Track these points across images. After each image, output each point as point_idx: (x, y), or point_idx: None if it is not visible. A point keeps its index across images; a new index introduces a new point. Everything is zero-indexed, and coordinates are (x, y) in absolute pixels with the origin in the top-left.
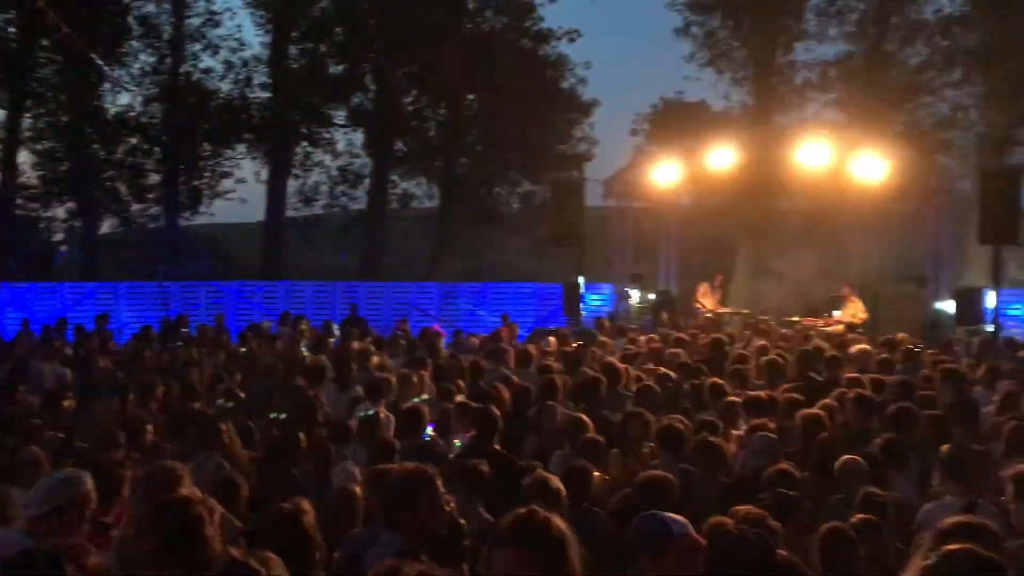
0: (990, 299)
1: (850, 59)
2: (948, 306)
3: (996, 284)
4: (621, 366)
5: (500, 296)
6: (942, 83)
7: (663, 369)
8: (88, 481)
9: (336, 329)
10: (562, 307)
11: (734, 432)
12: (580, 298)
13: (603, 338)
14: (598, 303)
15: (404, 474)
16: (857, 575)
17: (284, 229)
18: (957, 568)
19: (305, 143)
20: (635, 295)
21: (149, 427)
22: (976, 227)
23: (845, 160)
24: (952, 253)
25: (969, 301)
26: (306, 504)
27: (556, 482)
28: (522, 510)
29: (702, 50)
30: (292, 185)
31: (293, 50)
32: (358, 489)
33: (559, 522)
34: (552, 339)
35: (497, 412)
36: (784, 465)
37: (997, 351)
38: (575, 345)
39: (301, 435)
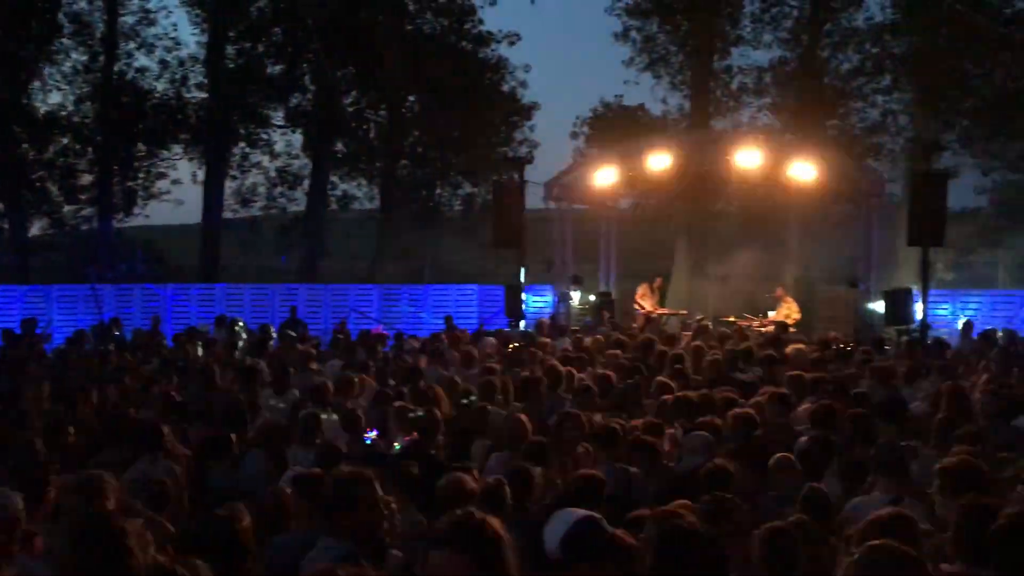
0: (918, 300)
1: (784, 65)
2: (879, 306)
3: (924, 285)
4: (562, 367)
5: (442, 298)
6: (872, 89)
7: (601, 370)
8: (16, 501)
9: (274, 332)
10: (504, 309)
11: (669, 431)
12: (522, 300)
13: (543, 339)
14: (540, 305)
15: (344, 477)
16: (798, 575)
17: (221, 231)
18: (879, 563)
19: (243, 144)
20: (576, 296)
21: (72, 432)
22: (905, 230)
23: (780, 164)
24: (883, 255)
25: (898, 301)
26: (242, 509)
27: (471, 483)
28: (459, 512)
29: (641, 55)
30: (229, 186)
31: (230, 50)
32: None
33: (496, 524)
34: (493, 340)
35: (438, 415)
36: (720, 461)
37: (925, 350)
38: (515, 346)
39: (232, 438)
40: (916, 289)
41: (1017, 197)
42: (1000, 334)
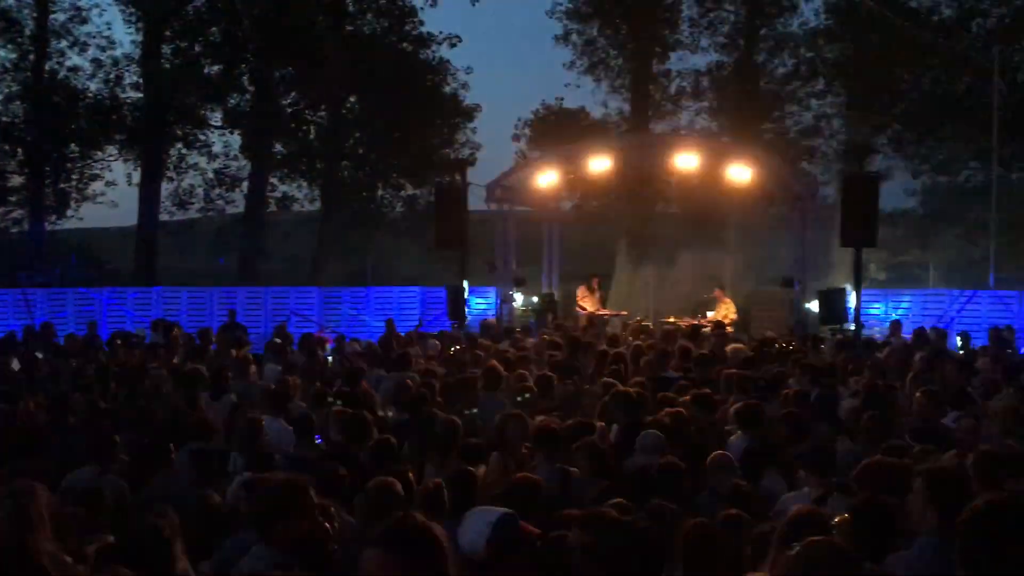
0: (852, 299)
1: (721, 69)
2: (814, 306)
3: (857, 285)
4: (501, 369)
5: (384, 300)
6: (807, 93)
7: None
8: None
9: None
10: (446, 311)
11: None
12: (464, 302)
13: (483, 340)
14: (482, 306)
15: (277, 484)
16: (719, 569)
17: (158, 233)
18: (816, 560)
19: (180, 145)
20: (519, 298)
21: None
22: (839, 231)
23: (717, 167)
24: (818, 255)
25: (832, 301)
26: (169, 516)
27: (398, 486)
28: (399, 514)
29: (582, 58)
30: (166, 188)
31: (166, 49)
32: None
33: (435, 528)
34: (435, 342)
35: (367, 417)
36: (672, 459)
37: (857, 349)
38: (458, 348)
39: (171, 446)
40: (850, 288)
41: (946, 199)
42: (930, 333)
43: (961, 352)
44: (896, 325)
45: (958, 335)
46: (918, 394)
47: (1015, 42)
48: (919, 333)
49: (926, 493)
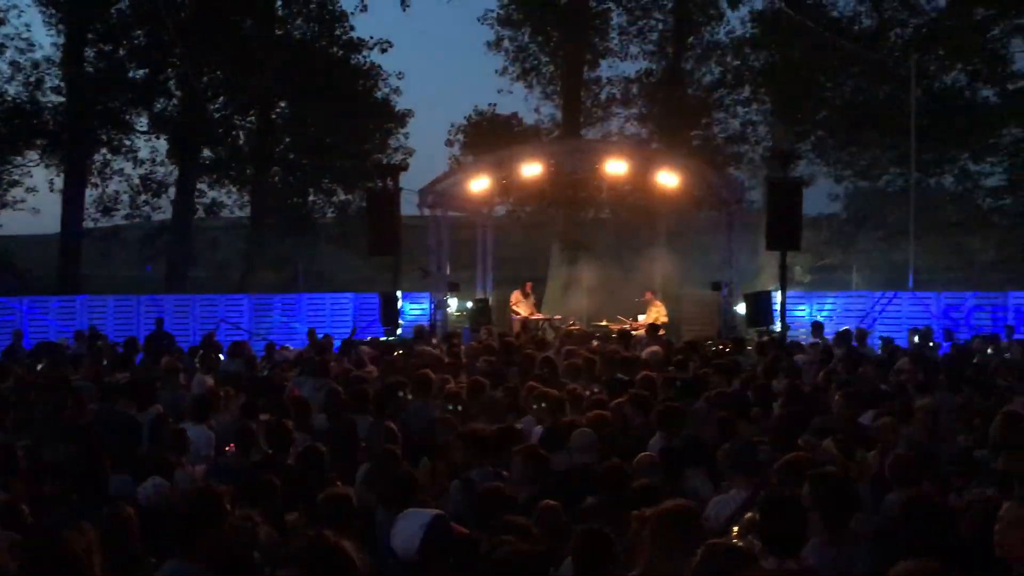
0: (778, 301)
1: (650, 76)
2: (741, 308)
3: (782, 287)
4: (433, 375)
5: (316, 307)
6: (733, 101)
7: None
8: None
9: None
10: (379, 317)
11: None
12: (398, 308)
13: (422, 347)
14: (416, 312)
15: (191, 497)
16: (612, 572)
17: (81, 241)
18: (714, 560)
19: (104, 150)
20: (453, 303)
21: None
22: (764, 235)
23: (647, 173)
24: (745, 259)
25: (758, 303)
26: (84, 530)
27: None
28: (311, 533)
29: (514, 64)
30: (90, 195)
31: (89, 52)
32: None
33: (347, 547)
34: (368, 349)
35: (290, 426)
36: (616, 461)
37: (785, 350)
38: (398, 354)
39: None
40: (775, 291)
41: (867, 204)
42: (853, 333)
43: (881, 353)
44: (818, 327)
45: (880, 338)
46: (837, 395)
47: (931, 52)
48: (841, 334)
49: (810, 497)
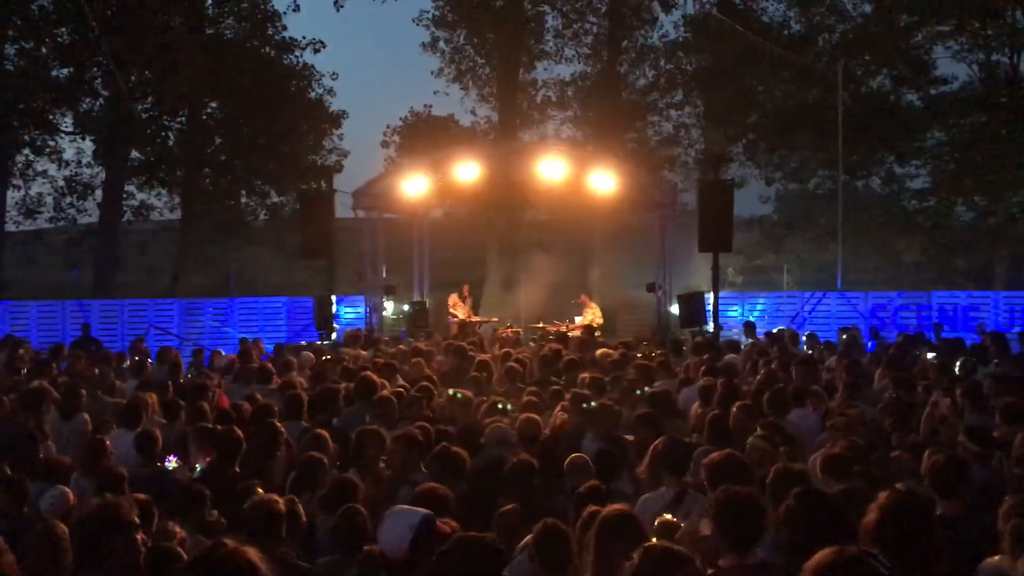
0: (710, 302)
1: (585, 79)
2: (675, 309)
3: (715, 288)
4: (376, 379)
5: (249, 311)
6: (667, 104)
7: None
8: None
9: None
10: (313, 321)
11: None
12: (332, 311)
13: (352, 350)
14: (352, 316)
15: (93, 514)
16: (571, 570)
17: (2, 244)
18: (654, 563)
19: (27, 151)
20: (389, 307)
21: None
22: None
23: (582, 175)
24: (679, 261)
25: (691, 304)
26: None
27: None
28: (210, 543)
29: (450, 66)
30: (12, 197)
31: (10, 49)
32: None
33: (249, 555)
34: (307, 354)
35: (240, 433)
36: (525, 456)
37: (718, 350)
38: (326, 359)
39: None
40: (707, 292)
41: (797, 205)
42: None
43: (809, 352)
44: (750, 326)
45: (805, 335)
46: (767, 393)
47: (858, 57)
48: (771, 334)
49: (716, 518)
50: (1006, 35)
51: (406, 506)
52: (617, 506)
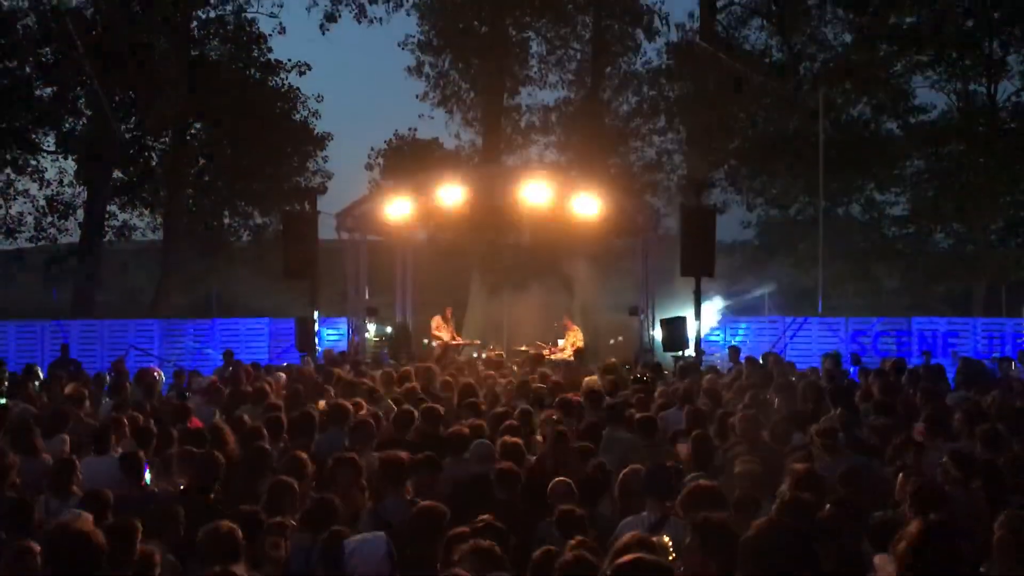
0: (692, 327)
1: (569, 104)
2: (658, 334)
3: (697, 313)
4: (347, 403)
5: (230, 332)
6: (649, 129)
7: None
8: None
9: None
10: (295, 342)
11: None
12: (314, 333)
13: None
14: (334, 338)
15: (63, 536)
16: None
17: None
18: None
19: (8, 170)
20: (371, 328)
21: None
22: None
23: (565, 199)
24: (662, 285)
25: (673, 329)
26: None
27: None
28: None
29: (435, 90)
30: None
31: None
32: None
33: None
34: (282, 375)
35: (221, 457)
36: (506, 465)
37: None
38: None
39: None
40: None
41: (778, 231)
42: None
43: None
44: (734, 351)
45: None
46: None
47: (838, 85)
48: (752, 359)
49: (697, 545)
50: (983, 66)
51: (364, 535)
52: (574, 554)
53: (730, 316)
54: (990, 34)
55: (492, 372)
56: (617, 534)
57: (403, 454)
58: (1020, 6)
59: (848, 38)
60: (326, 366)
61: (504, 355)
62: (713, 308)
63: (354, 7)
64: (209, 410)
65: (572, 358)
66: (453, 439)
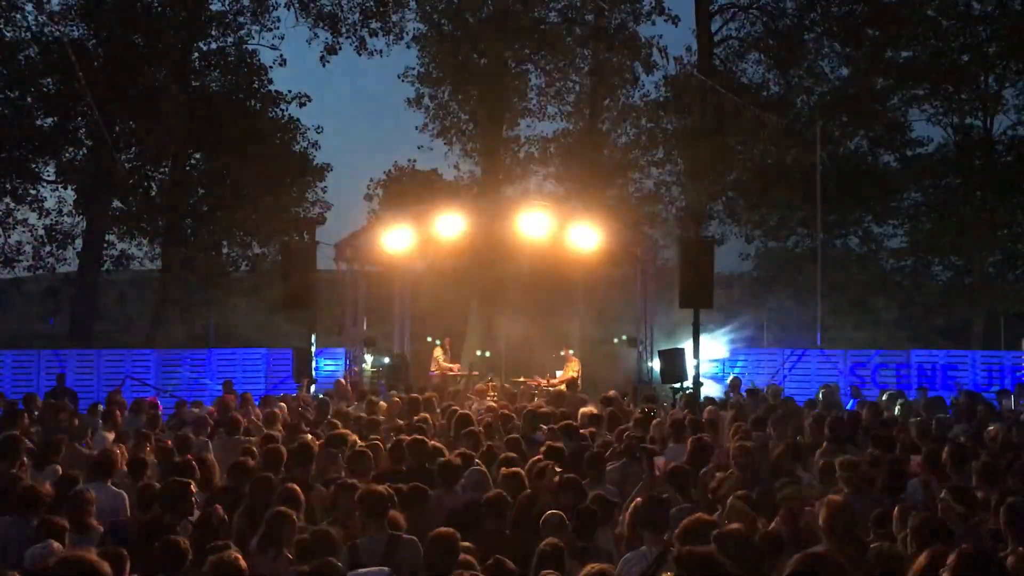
0: (691, 358)
1: (568, 136)
2: (656, 365)
3: (696, 344)
4: (346, 433)
5: (227, 362)
6: (647, 161)
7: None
8: None
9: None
10: (292, 372)
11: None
12: (311, 363)
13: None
14: (331, 368)
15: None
16: None
17: None
18: None
19: (7, 199)
20: (369, 359)
21: None
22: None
23: (564, 230)
24: (660, 316)
25: (672, 360)
26: None
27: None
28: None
29: (434, 121)
30: None
31: None
32: None
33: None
34: (284, 405)
35: (191, 487)
36: (499, 491)
37: (700, 406)
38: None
39: None
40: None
41: (777, 263)
42: (766, 389)
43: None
44: (735, 382)
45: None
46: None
47: (835, 118)
48: (753, 391)
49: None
50: (978, 100)
51: (364, 570)
52: (596, 566)
53: (740, 348)
54: (986, 69)
55: (491, 403)
56: (620, 571)
57: (382, 488)
58: (1015, 41)
59: (845, 71)
60: (332, 396)
61: (495, 386)
62: (721, 340)
63: (355, 39)
64: (202, 441)
65: (564, 388)
66: (445, 468)
